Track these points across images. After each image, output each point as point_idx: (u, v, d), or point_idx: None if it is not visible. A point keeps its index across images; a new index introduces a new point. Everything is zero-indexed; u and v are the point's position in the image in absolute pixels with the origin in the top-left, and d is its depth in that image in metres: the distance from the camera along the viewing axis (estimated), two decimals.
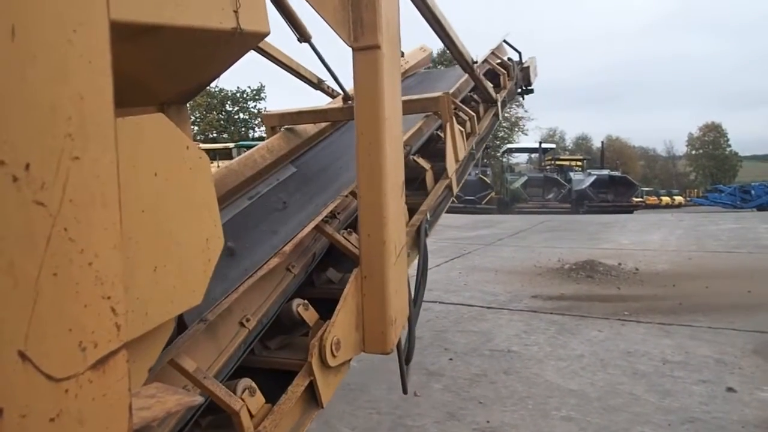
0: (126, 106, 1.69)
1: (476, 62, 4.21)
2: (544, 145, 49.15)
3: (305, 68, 3.91)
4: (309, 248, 2.55)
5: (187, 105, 2.05)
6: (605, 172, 42.23)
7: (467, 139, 4.27)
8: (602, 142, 57.96)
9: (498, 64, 5.93)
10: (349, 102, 3.83)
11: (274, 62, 3.62)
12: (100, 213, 0.67)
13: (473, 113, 4.49)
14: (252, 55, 2.15)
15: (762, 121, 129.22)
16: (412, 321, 2.49)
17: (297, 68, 3.82)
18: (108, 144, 0.69)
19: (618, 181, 40.52)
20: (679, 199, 54.10)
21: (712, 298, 7.29)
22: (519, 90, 6.73)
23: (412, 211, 3.08)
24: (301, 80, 4.00)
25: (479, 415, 3.85)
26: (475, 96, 5.08)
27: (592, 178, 39.58)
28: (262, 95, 51.07)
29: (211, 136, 47.17)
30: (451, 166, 3.62)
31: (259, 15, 1.55)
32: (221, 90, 48.78)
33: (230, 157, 29.69)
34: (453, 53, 4.04)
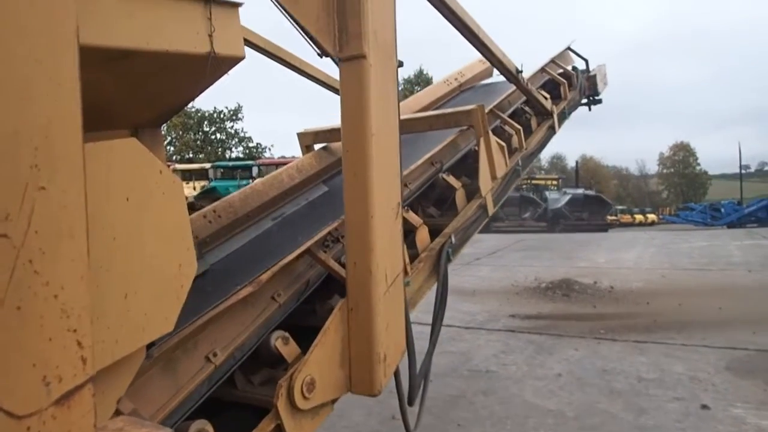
0: (99, 130, 1.67)
1: (521, 71, 3.90)
2: None
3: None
4: (302, 275, 2.33)
5: (162, 127, 2.04)
6: (580, 191, 42.95)
7: (513, 154, 3.93)
8: (576, 162, 59.13)
9: (560, 73, 5.52)
10: None
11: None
12: (67, 244, 0.66)
13: (519, 127, 4.14)
14: (229, 75, 2.13)
15: (728, 141, 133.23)
16: (412, 358, 2.22)
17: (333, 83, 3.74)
18: (76, 173, 0.68)
19: (592, 199, 41.21)
20: (652, 217, 55.03)
21: (685, 315, 7.41)
22: (586, 100, 6.22)
23: (436, 233, 2.88)
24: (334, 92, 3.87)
25: None
26: (527, 108, 4.69)
27: (567, 197, 40.15)
28: (240, 116, 50.93)
29: (187, 156, 46.75)
30: (485, 184, 3.30)
31: (234, 39, 1.55)
32: (198, 110, 48.51)
33: (206, 178, 29.60)
34: (493, 64, 3.75)
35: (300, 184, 3.17)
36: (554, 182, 48.90)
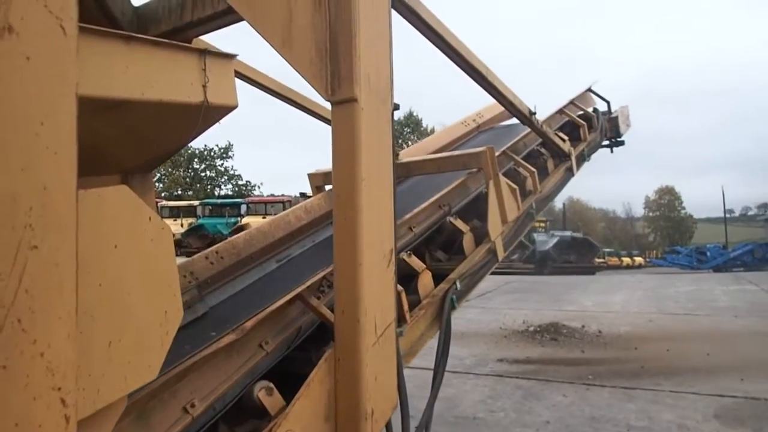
0: (90, 175, 1.69)
1: (534, 113, 3.85)
2: None
3: None
4: (293, 321, 2.25)
5: (152, 173, 2.06)
6: (568, 233, 43.25)
7: (527, 197, 3.87)
8: (564, 204, 59.74)
9: (579, 115, 5.44)
10: (395, 160, 3.65)
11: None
12: (56, 302, 0.67)
13: (534, 169, 4.06)
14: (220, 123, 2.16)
15: (712, 186, 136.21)
16: (405, 412, 2.09)
17: None
18: (68, 232, 0.69)
19: (580, 242, 41.47)
20: (639, 260, 55.47)
21: (673, 360, 7.38)
22: (607, 142, 6.10)
23: (443, 278, 2.81)
24: None
25: None
26: (544, 150, 4.60)
27: (555, 239, 40.34)
28: (230, 153, 51.25)
29: (176, 193, 46.72)
30: (494, 228, 3.20)
31: (228, 89, 1.59)
32: (188, 148, 48.77)
33: (195, 215, 29.50)
34: (505, 106, 3.71)
35: (308, 225, 3.13)
36: (542, 224, 49.24)
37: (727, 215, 64.90)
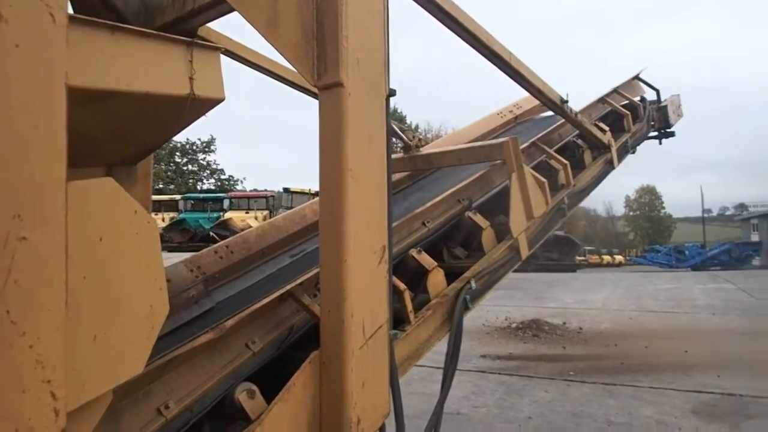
0: (74, 167, 1.65)
1: (566, 101, 3.60)
2: None
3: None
4: (285, 320, 2.12)
5: (136, 166, 2.04)
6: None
7: (559, 190, 3.62)
8: None
9: (624, 104, 5.09)
10: (413, 151, 3.45)
11: None
12: (45, 293, 0.66)
13: (566, 162, 3.78)
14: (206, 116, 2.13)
15: (691, 186, 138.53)
16: (399, 421, 1.96)
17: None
18: (57, 224, 0.68)
19: (562, 240, 41.80)
20: (619, 258, 56.15)
21: (652, 357, 7.50)
22: (656, 133, 5.74)
23: (456, 276, 2.65)
24: None
25: None
26: (580, 141, 4.29)
27: None
28: (213, 147, 50.79)
29: (157, 187, 46.21)
30: (516, 224, 2.96)
31: (215, 82, 1.57)
32: (170, 141, 48.26)
33: (176, 210, 29.20)
34: (532, 93, 3.46)
35: None
36: None
37: (705, 215, 66.06)
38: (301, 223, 2.87)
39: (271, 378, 1.88)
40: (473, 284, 2.62)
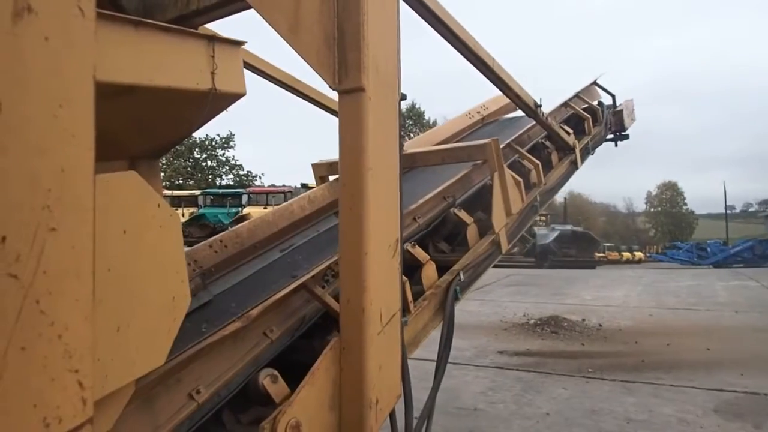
0: (98, 161, 1.67)
1: (539, 105, 3.87)
2: None
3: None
4: (297, 310, 2.24)
5: (159, 160, 2.06)
6: (568, 227, 43.23)
7: (531, 189, 3.88)
8: (565, 198, 59.54)
9: (584, 108, 5.47)
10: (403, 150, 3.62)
11: None
12: (73, 284, 0.66)
13: (538, 162, 4.07)
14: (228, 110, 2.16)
15: (714, 182, 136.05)
16: (408, 402, 2.10)
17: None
18: (86, 215, 0.69)
19: (580, 236, 41.46)
20: (639, 254, 55.40)
21: (673, 355, 7.40)
22: (612, 135, 6.17)
23: (446, 270, 2.83)
24: None
25: None
26: (548, 143, 4.60)
27: (555, 233, 40.32)
28: (232, 143, 51.16)
29: (177, 182, 46.70)
30: (498, 220, 3.21)
31: (236, 77, 1.58)
32: (189, 137, 48.69)
33: (196, 205, 29.55)
34: (510, 97, 3.66)
35: (312, 215, 3.12)
36: (543, 218, 49.23)
37: (728, 211, 64.87)
38: (290, 219, 2.99)
39: (279, 363, 2.03)
40: (462, 276, 2.80)
